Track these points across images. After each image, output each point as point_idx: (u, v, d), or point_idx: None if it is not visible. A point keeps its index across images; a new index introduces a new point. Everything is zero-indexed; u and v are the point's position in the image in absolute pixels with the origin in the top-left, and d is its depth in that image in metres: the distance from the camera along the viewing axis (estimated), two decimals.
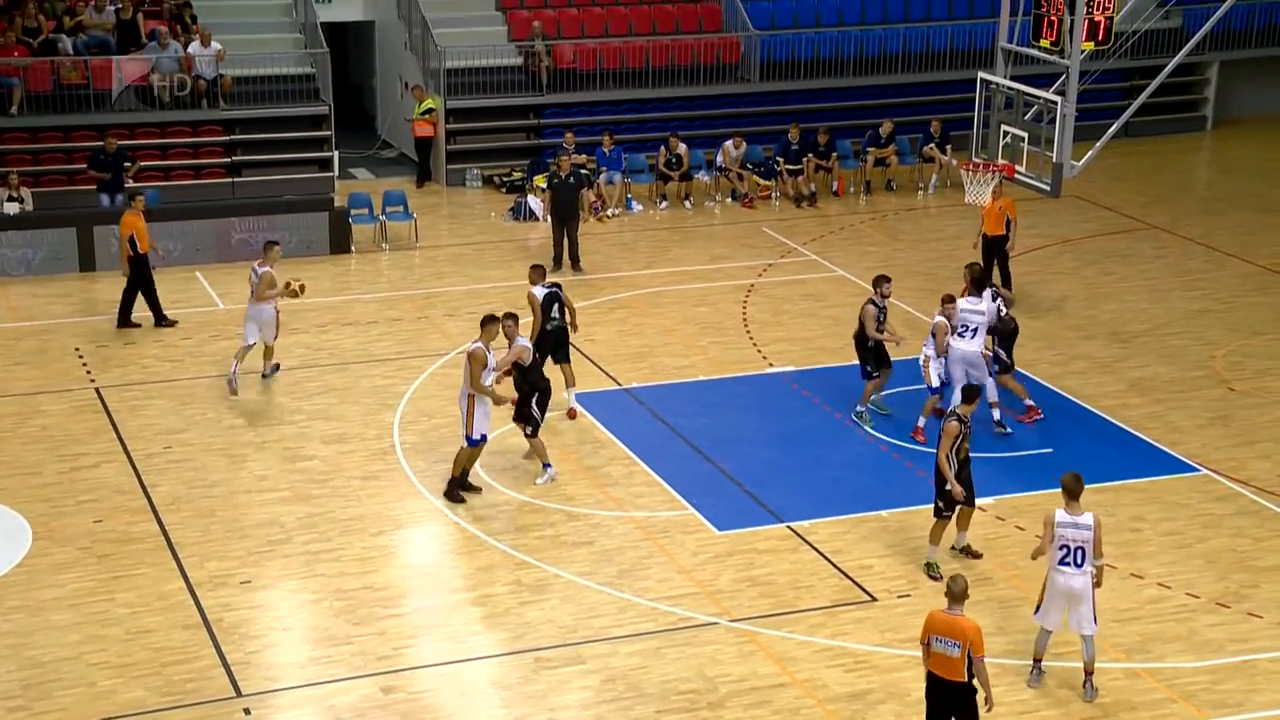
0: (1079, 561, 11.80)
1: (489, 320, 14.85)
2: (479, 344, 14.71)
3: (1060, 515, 11.87)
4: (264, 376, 17.60)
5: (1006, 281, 19.91)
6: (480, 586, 13.59)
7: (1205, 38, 21.42)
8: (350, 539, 14.32)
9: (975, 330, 16.09)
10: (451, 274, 21.58)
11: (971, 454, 15.96)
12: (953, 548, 13.95)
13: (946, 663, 10.68)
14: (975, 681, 10.69)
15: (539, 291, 16.55)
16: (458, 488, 14.92)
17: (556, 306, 16.59)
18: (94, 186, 22.13)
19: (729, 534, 14.47)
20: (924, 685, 10.97)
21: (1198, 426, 16.78)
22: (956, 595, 10.74)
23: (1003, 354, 16.82)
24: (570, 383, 16.81)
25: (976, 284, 16.41)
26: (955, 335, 16.05)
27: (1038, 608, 12.16)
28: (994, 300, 16.61)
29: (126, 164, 22.40)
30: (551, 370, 16.18)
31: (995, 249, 19.87)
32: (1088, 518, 11.86)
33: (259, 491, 15.19)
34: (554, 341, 16.61)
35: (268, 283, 17.22)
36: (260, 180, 24.20)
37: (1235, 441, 16.43)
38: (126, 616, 13.03)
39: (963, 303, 16.14)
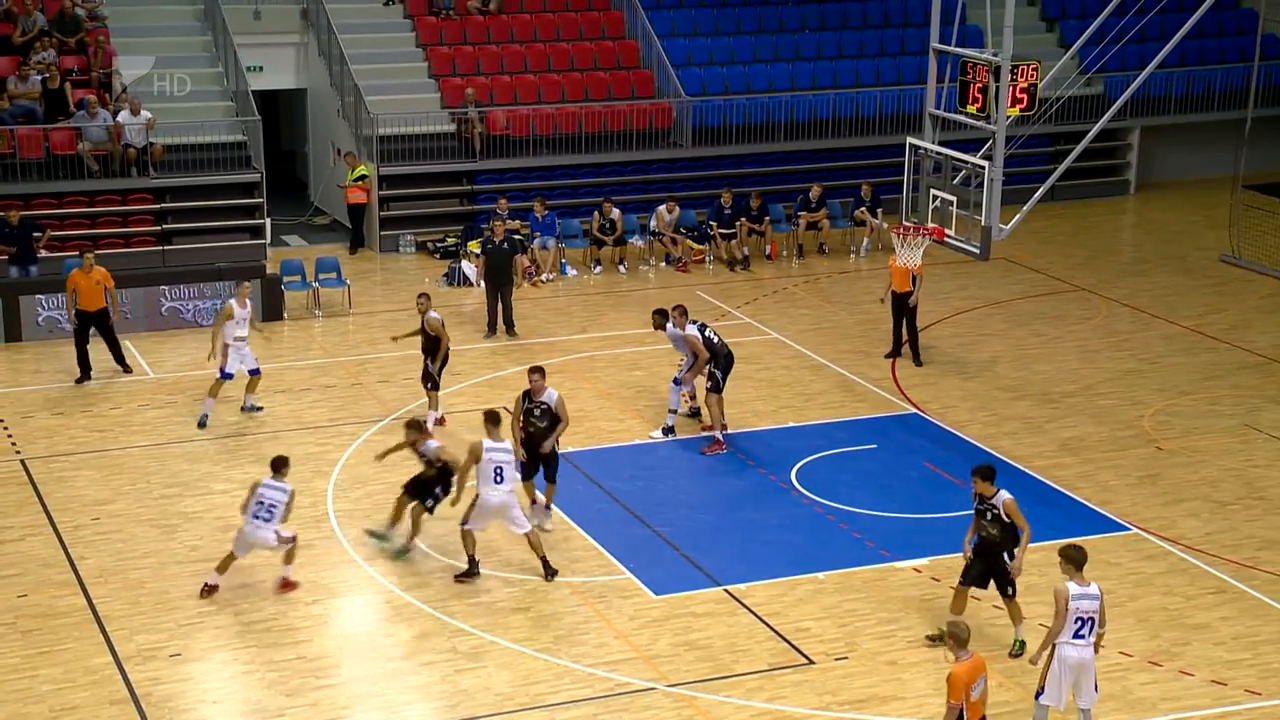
0: (1089, 632, 11.75)
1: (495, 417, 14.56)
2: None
3: (1073, 588, 11.72)
4: (243, 409, 18.41)
5: (914, 338, 20.44)
6: (415, 655, 13.47)
7: (1126, 104, 21.92)
8: (283, 608, 14.16)
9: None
10: (385, 340, 21.50)
11: (898, 514, 16.13)
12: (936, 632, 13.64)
13: (982, 702, 10.93)
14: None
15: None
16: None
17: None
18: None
19: (666, 598, 14.46)
20: None
21: (1127, 485, 17.02)
22: (965, 641, 10.95)
23: (718, 374, 17.39)
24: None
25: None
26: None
27: (1040, 690, 11.89)
28: (702, 330, 17.39)
29: (36, 234, 22.20)
30: None
31: (900, 303, 20.41)
32: (1095, 587, 11.81)
33: (190, 562, 15.00)
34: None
35: (224, 315, 18.24)
36: (191, 248, 24.07)
37: (1164, 500, 16.66)
38: (51, 693, 12.79)
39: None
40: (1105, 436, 18.37)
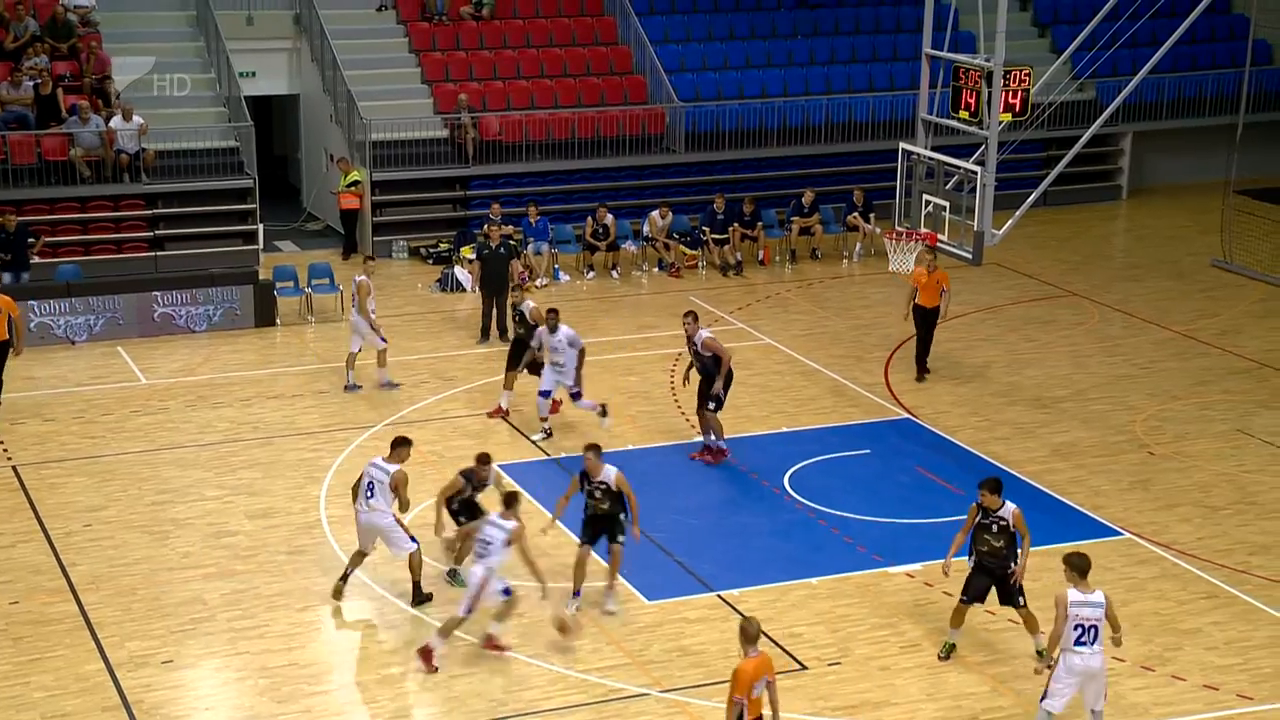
0: (1093, 640, 11.69)
1: (402, 443, 14.17)
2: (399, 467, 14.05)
3: (1073, 594, 11.68)
4: (380, 386, 19.28)
5: (925, 349, 20.10)
6: (408, 661, 13.44)
7: (1118, 110, 21.96)
8: (275, 615, 14.14)
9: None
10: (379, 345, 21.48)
11: (891, 519, 16.14)
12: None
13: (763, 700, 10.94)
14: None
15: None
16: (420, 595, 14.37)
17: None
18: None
19: (659, 604, 14.44)
20: None
21: (1119, 491, 17.03)
22: (755, 638, 10.93)
23: (721, 394, 17.09)
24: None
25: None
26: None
27: (1044, 693, 11.92)
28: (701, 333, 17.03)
29: (30, 240, 22.16)
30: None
31: (929, 321, 19.85)
32: (1099, 595, 11.75)
33: (182, 569, 14.97)
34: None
35: (364, 290, 19.06)
36: (183, 254, 24.05)
37: (1156, 505, 16.68)
38: (43, 700, 12.75)
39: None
40: (1097, 441, 18.38)
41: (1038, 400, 19.62)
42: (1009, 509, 13.15)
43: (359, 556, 14.36)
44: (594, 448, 14.18)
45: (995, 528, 13.15)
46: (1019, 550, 13.19)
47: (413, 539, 14.17)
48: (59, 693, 12.85)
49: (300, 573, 14.86)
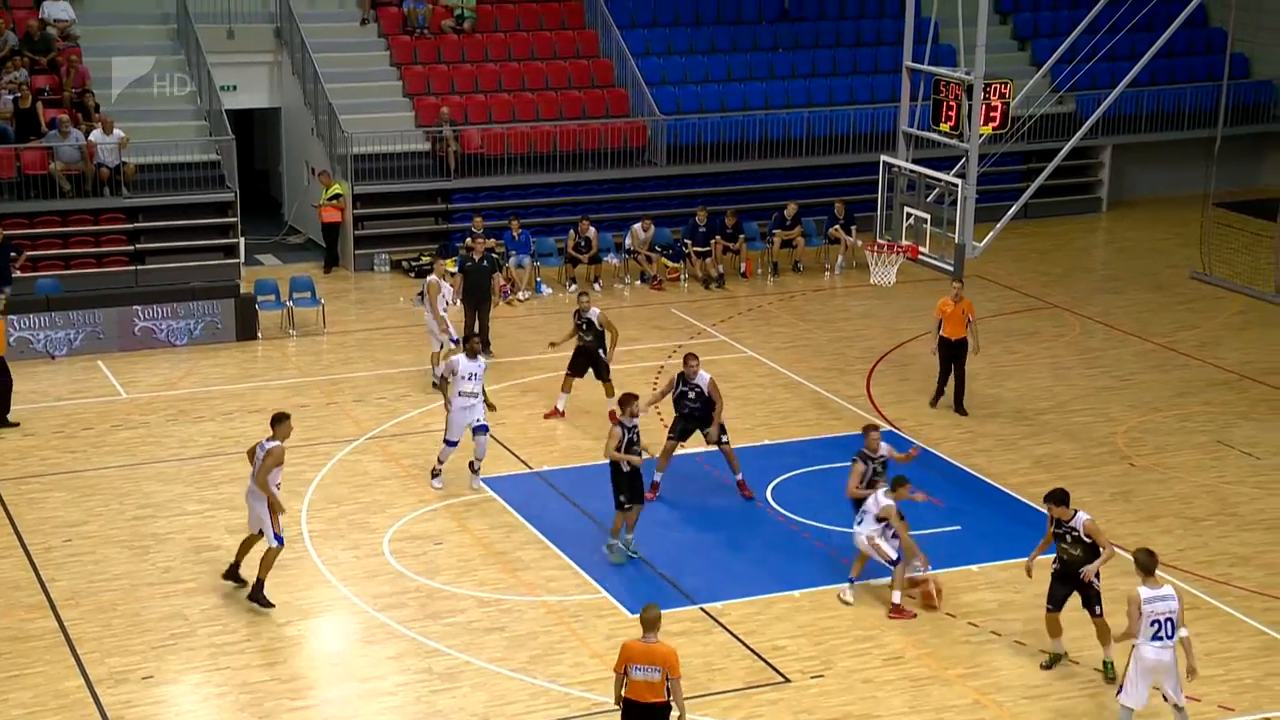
0: (1170, 634, 11.92)
1: (281, 419, 14.36)
2: (277, 442, 14.21)
3: (1144, 592, 11.91)
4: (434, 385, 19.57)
5: (962, 384, 19.17)
6: (390, 675, 13.40)
7: (1098, 122, 22.08)
8: (257, 630, 14.08)
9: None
10: (360, 359, 21.47)
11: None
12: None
13: (648, 687, 11.24)
14: (674, 699, 11.19)
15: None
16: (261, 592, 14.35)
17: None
18: None
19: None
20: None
21: (1101, 502, 17.07)
22: (650, 623, 11.27)
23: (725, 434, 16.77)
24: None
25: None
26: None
27: (1119, 688, 12.16)
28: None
29: (12, 254, 22.09)
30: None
31: (958, 353, 19.08)
32: (1169, 589, 12.02)
33: (162, 584, 14.91)
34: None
35: (434, 290, 19.73)
36: (164, 268, 23.98)
37: (1138, 517, 16.73)
38: (21, 718, 12.67)
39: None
40: (1079, 453, 18.44)
41: (1019, 412, 19.68)
42: (1080, 518, 13.26)
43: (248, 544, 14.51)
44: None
45: (1069, 538, 13.29)
46: (1103, 554, 13.22)
47: (278, 538, 14.23)
48: (38, 710, 12.77)
49: (281, 587, 14.80)
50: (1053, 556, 13.56)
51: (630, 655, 11.26)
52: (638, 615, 11.70)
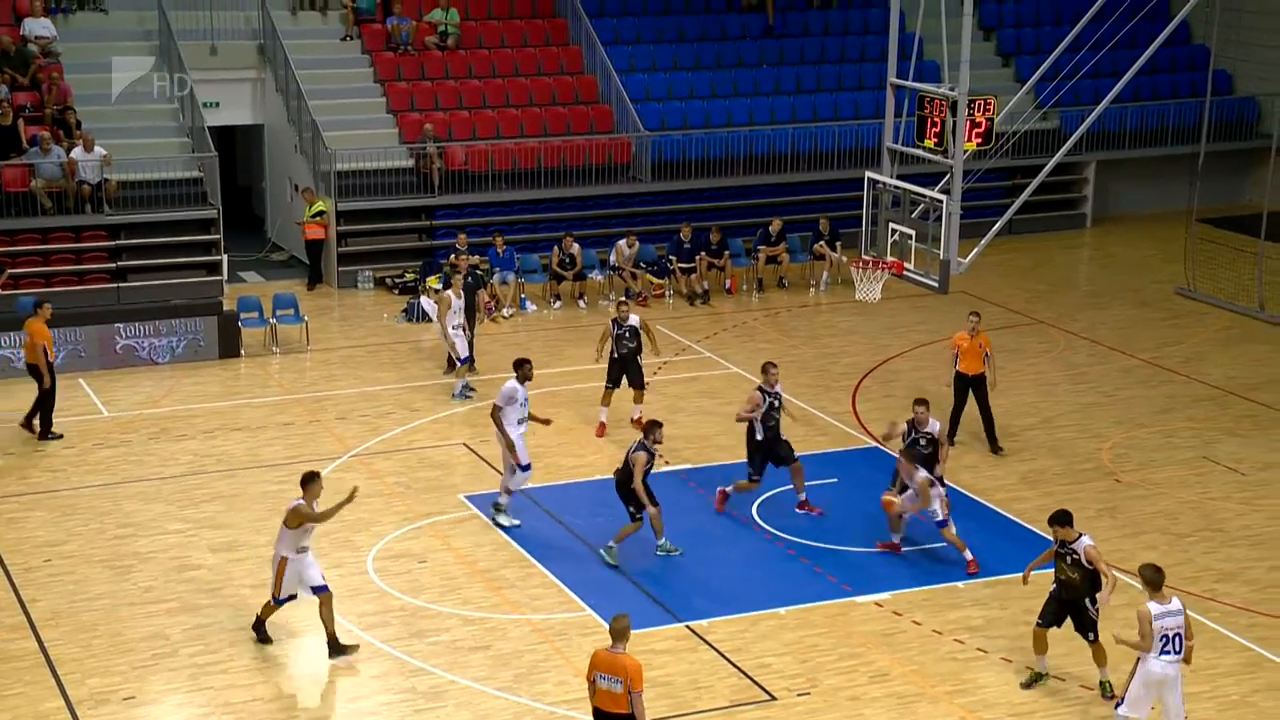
0: (1178, 648, 11.99)
1: (311, 478, 13.87)
2: (301, 500, 13.77)
3: (1154, 607, 11.95)
4: (453, 396, 20.10)
5: (990, 421, 18.70)
6: (374, 695, 13.35)
7: (1082, 138, 22.17)
8: (239, 650, 14.03)
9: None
10: (344, 377, 21.43)
11: (860, 548, 16.17)
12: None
13: (611, 698, 11.24)
14: (634, 712, 11.16)
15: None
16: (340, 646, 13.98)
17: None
18: None
19: None
20: None
21: (1087, 519, 17.06)
22: (619, 633, 11.29)
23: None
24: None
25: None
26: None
27: (1120, 700, 12.23)
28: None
29: None
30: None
31: (974, 389, 18.66)
32: (1176, 602, 12.05)
33: (144, 604, 14.84)
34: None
35: (445, 304, 20.14)
36: (146, 285, 23.92)
37: (1123, 533, 16.76)
38: None
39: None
40: (1064, 469, 18.47)
41: (1005, 428, 19.67)
42: (1083, 542, 13.11)
43: (324, 602, 13.86)
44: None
45: (1070, 559, 13.18)
46: (1100, 587, 13.07)
47: (278, 599, 13.81)
48: None
49: (262, 606, 14.72)
50: (1051, 573, 13.46)
51: (596, 664, 11.33)
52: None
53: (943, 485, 15.97)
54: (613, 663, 11.24)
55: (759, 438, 16.66)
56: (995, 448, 18.76)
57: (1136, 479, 18.21)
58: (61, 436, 18.89)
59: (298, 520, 13.69)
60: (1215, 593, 15.42)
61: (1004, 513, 17.17)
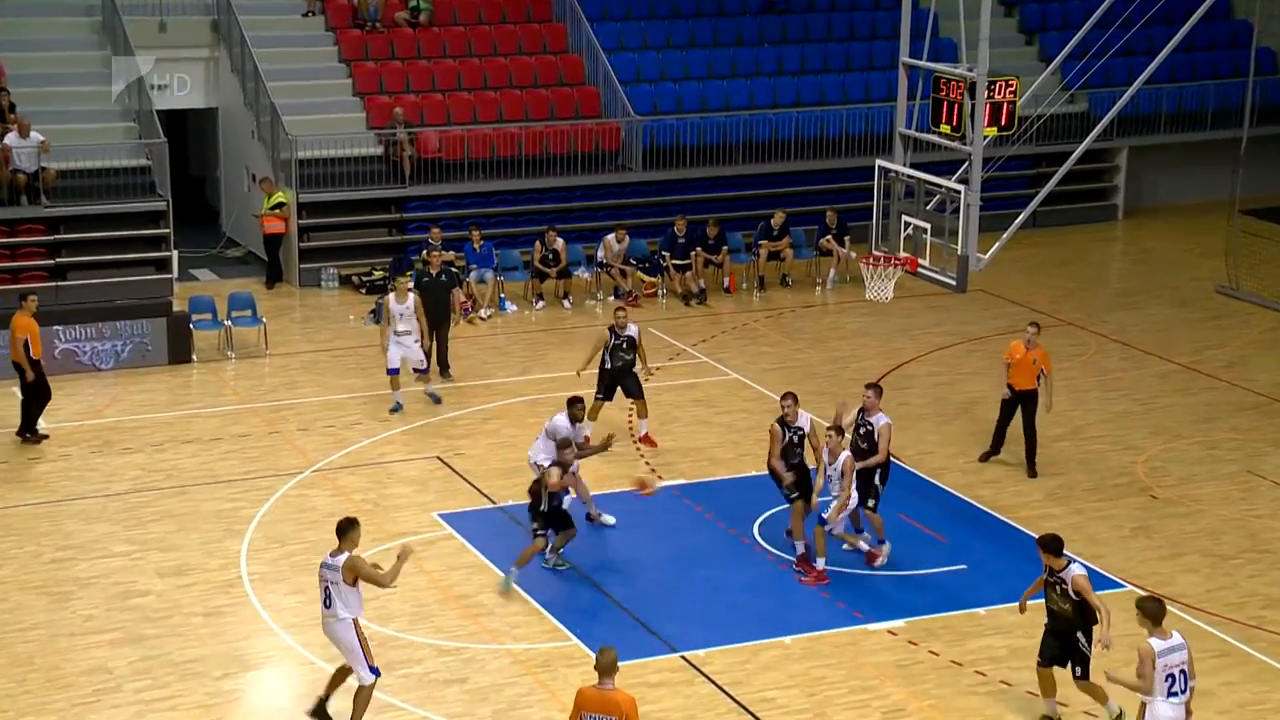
0: (1183, 687, 11.83)
1: (349, 526, 12.98)
2: (345, 554, 12.83)
3: (1157, 644, 11.79)
4: (435, 403, 20.31)
5: (1033, 443, 18.52)
6: None
7: (1113, 123, 22.23)
8: (190, 684, 13.96)
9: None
10: (306, 384, 21.40)
11: (871, 571, 16.12)
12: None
13: None
14: None
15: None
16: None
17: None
18: None
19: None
20: None
21: (1120, 538, 17.08)
22: (606, 668, 11.17)
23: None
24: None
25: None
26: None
27: None
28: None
29: None
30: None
31: (1023, 405, 18.39)
32: (1178, 637, 11.92)
33: (84, 634, 14.78)
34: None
35: (385, 310, 20.09)
36: (89, 284, 23.87)
37: (1161, 554, 16.74)
38: None
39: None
40: (1095, 484, 18.46)
41: None
42: (1071, 572, 12.93)
43: (342, 671, 13.27)
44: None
45: (1059, 589, 13.02)
46: (1094, 620, 12.93)
47: (374, 669, 12.94)
48: None
49: (218, 636, 14.68)
50: (1044, 602, 13.30)
51: (584, 703, 11.22)
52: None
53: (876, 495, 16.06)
54: (604, 700, 11.14)
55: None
56: (1032, 471, 18.66)
57: (1175, 495, 18.20)
58: (47, 437, 19.08)
59: (354, 576, 12.73)
60: (1263, 620, 15.40)
61: (1029, 532, 17.12)
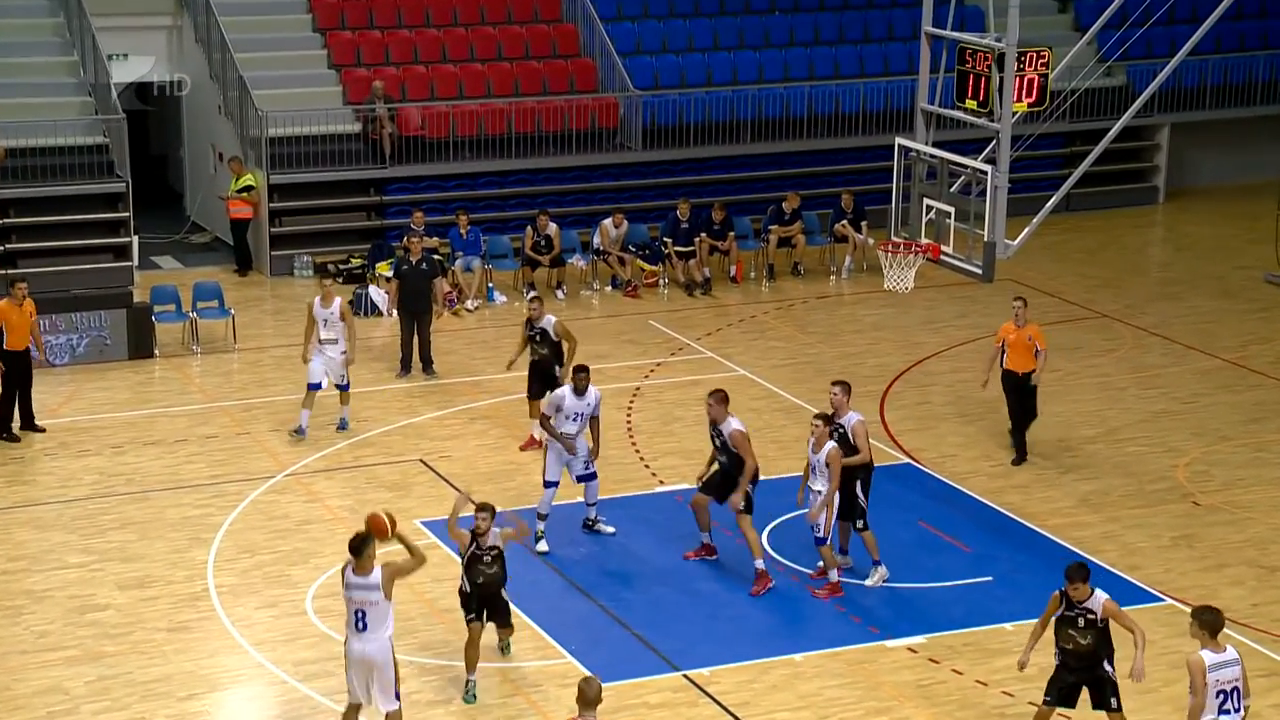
0: (1237, 705, 11.85)
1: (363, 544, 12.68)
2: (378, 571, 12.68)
3: (1208, 657, 11.78)
4: (338, 428, 19.41)
5: (1025, 425, 18.89)
6: None
7: (1154, 97, 22.30)
8: (153, 705, 14.04)
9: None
10: (278, 381, 21.46)
11: (889, 583, 16.18)
12: None
13: None
14: None
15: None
16: None
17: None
18: None
19: (614, 685, 14.40)
20: None
21: (1159, 548, 17.16)
22: (590, 700, 11.16)
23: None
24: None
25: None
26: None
27: None
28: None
29: None
30: None
31: (1020, 387, 18.77)
32: (1232, 651, 11.92)
33: (38, 651, 14.85)
34: None
35: (307, 314, 19.36)
36: (41, 272, 23.92)
37: (1203, 565, 16.82)
38: None
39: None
40: (1133, 490, 18.55)
41: (1061, 441, 19.77)
42: (1098, 599, 12.81)
43: (353, 711, 13.10)
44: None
45: (1082, 621, 12.82)
46: (1135, 639, 12.79)
47: (397, 695, 12.83)
48: None
49: (183, 654, 14.77)
50: (1053, 640, 13.06)
51: None
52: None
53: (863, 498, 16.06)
54: None
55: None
56: (1020, 456, 18.85)
57: (1219, 501, 18.29)
58: (19, 440, 19.14)
59: (393, 583, 12.55)
60: None
61: (1061, 541, 17.22)
